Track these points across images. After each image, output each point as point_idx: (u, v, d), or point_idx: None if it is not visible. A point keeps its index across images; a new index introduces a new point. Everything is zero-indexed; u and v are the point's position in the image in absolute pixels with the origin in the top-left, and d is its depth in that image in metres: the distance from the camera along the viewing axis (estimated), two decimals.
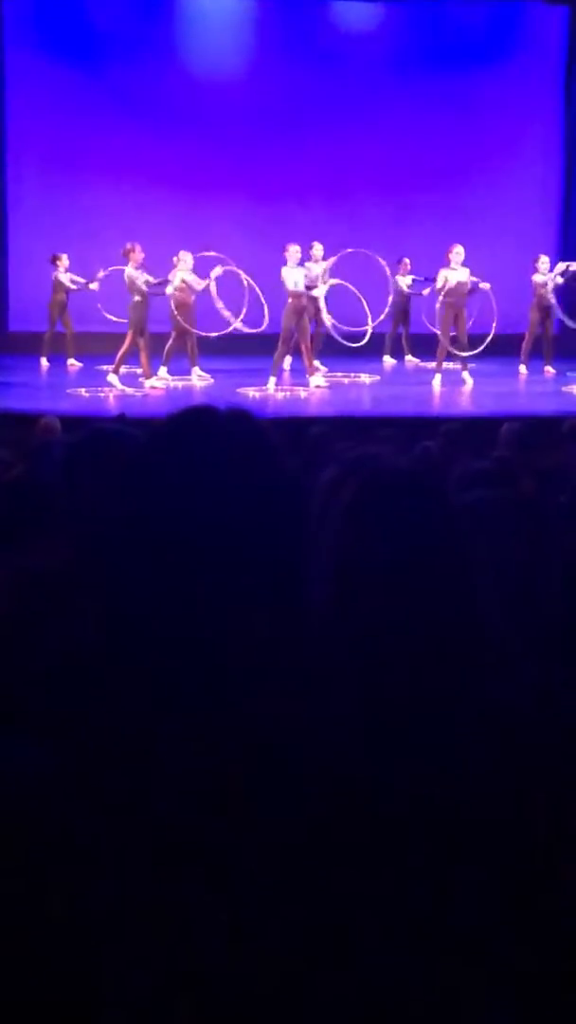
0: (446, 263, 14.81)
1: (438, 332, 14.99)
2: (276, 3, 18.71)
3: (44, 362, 16.13)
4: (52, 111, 18.18)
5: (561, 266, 15.86)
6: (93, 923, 1.14)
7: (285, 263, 14.32)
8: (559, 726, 1.22)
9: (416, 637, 1.28)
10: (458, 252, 14.85)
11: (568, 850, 1.19)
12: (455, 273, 14.75)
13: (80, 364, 15.92)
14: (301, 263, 14.58)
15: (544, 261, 15.90)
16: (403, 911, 1.17)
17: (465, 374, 14.99)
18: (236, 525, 1.25)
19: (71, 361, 16.09)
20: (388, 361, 17.13)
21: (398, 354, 17.26)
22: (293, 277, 14.24)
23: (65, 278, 15.81)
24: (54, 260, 15.88)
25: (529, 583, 2.22)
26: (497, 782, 1.20)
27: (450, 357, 15.07)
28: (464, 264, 14.73)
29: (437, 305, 14.97)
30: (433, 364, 15.24)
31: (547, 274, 15.76)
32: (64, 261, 15.89)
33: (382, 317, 15.69)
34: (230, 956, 1.14)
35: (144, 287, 14.03)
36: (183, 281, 14.55)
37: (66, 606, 1.32)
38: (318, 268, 15.14)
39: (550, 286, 15.63)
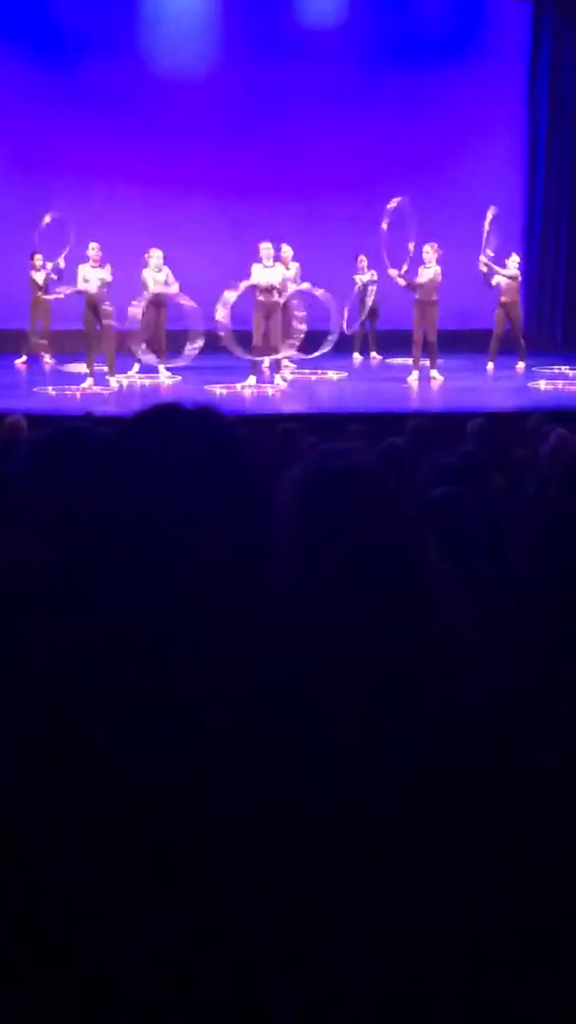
0: (421, 261, 14.93)
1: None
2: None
3: (22, 360, 16.10)
4: (20, 109, 18.08)
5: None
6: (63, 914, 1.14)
7: (257, 261, 14.37)
8: (528, 723, 1.23)
9: (370, 634, 1.29)
10: (426, 250, 14.96)
11: (536, 852, 1.20)
12: (427, 271, 14.89)
13: (53, 362, 15.90)
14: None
15: (514, 260, 15.97)
16: (366, 912, 1.18)
17: (434, 371, 15.05)
18: (202, 521, 1.25)
19: (23, 359, 16.08)
20: (356, 358, 17.15)
21: (365, 351, 17.29)
22: (262, 276, 14.27)
23: (39, 277, 15.81)
24: (31, 259, 15.93)
25: (498, 576, 2.23)
26: (459, 778, 1.20)
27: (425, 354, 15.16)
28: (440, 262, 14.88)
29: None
30: (407, 360, 15.32)
31: (514, 271, 15.82)
32: (37, 260, 15.90)
33: (344, 328, 15.70)
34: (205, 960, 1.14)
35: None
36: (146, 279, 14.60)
37: (38, 600, 1.31)
38: (290, 272, 15.15)
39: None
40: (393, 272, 15.18)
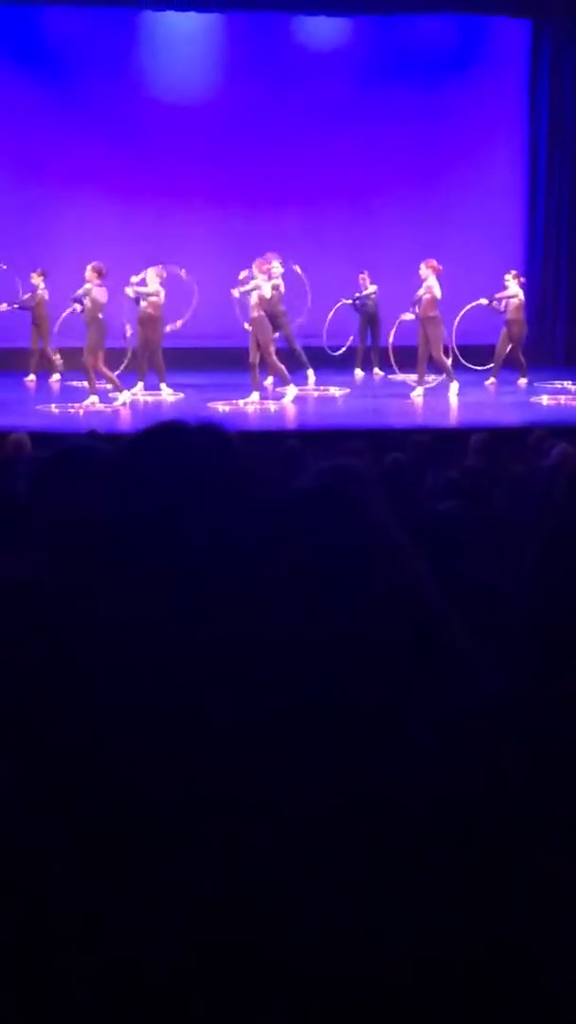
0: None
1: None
2: (242, 19, 18.76)
3: (55, 377, 16.21)
4: (19, 129, 18.16)
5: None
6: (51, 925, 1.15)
7: (268, 277, 14.48)
8: (524, 733, 1.24)
9: (366, 647, 1.30)
10: (421, 268, 15.09)
11: (530, 860, 1.21)
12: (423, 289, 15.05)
13: (35, 379, 15.98)
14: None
15: (512, 280, 16.02)
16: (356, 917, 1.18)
17: (453, 386, 15.07)
18: (206, 539, 1.26)
19: (31, 377, 16.13)
20: (358, 374, 17.18)
21: (367, 367, 17.33)
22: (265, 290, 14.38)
23: (45, 293, 15.90)
24: (33, 276, 16.03)
25: (500, 590, 2.24)
26: (459, 787, 1.21)
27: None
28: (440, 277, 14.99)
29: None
30: (410, 377, 15.40)
31: (514, 289, 15.89)
32: (37, 278, 15.99)
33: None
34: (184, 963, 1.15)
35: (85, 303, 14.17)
36: (135, 292, 14.68)
37: (43, 617, 1.32)
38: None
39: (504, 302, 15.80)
40: (406, 317, 15.37)
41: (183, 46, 18.63)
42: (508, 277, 15.91)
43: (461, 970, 1.16)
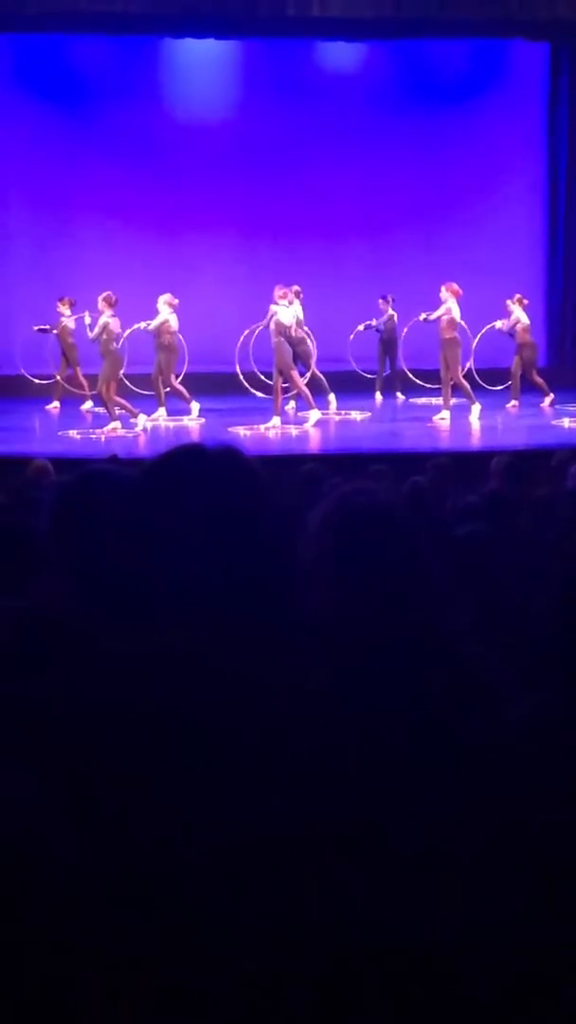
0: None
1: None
2: (260, 45, 18.86)
3: (87, 405, 16.19)
4: (39, 155, 18.28)
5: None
6: (76, 949, 1.14)
7: (287, 304, 14.56)
8: (547, 759, 1.22)
9: (397, 671, 1.29)
10: (441, 291, 15.15)
11: (552, 891, 1.20)
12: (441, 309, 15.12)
13: (59, 406, 16.03)
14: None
15: (516, 306, 16.04)
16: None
17: (475, 408, 15.06)
18: (226, 560, 1.25)
19: (54, 404, 16.18)
20: (378, 398, 17.18)
21: (387, 391, 17.33)
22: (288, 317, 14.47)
23: (69, 322, 15.97)
24: (59, 303, 16.11)
25: (522, 615, 2.22)
26: (491, 810, 1.20)
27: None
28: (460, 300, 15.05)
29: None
30: (431, 400, 15.43)
31: (516, 315, 15.93)
32: (62, 306, 16.08)
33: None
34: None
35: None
36: (166, 323, 14.70)
37: (64, 644, 1.32)
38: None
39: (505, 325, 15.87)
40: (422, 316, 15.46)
41: (202, 73, 18.73)
42: (510, 303, 15.94)
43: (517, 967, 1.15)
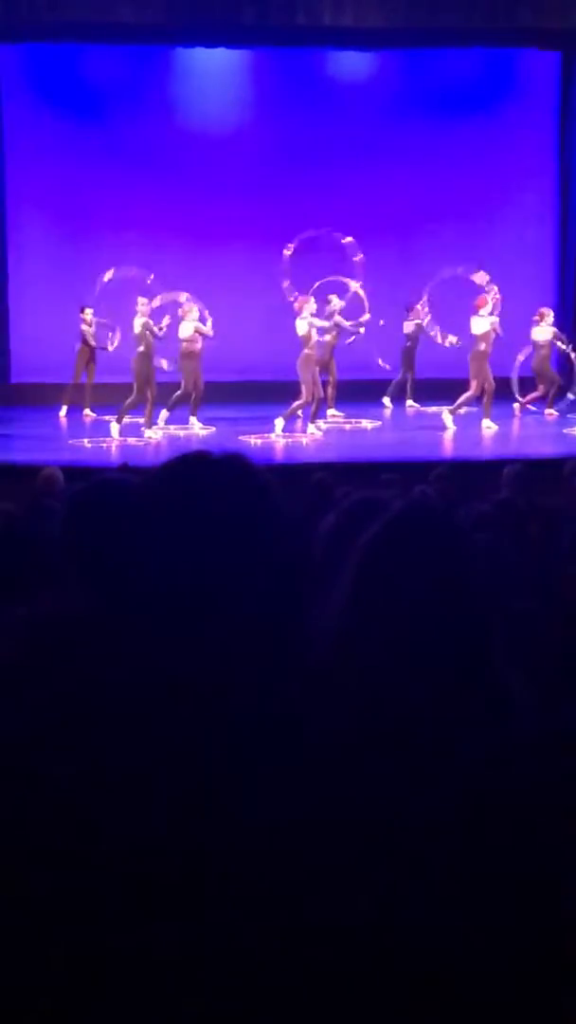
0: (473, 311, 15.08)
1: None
2: (272, 54, 18.90)
3: (63, 412, 16.21)
4: (52, 163, 18.33)
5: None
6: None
7: (299, 312, 14.55)
8: (559, 770, 1.22)
9: (417, 678, 1.28)
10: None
11: (558, 910, 1.19)
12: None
13: (94, 415, 15.99)
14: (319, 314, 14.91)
15: (544, 328, 16.09)
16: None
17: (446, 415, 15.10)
18: (235, 569, 1.25)
19: (87, 411, 16.16)
20: (387, 405, 17.18)
21: (398, 399, 17.32)
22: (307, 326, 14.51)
23: (88, 331, 16.02)
24: (81, 312, 16.14)
25: (535, 624, 2.21)
26: (506, 819, 1.19)
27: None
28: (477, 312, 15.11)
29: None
30: (440, 408, 15.47)
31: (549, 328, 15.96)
32: (87, 314, 16.12)
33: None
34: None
35: (151, 337, 14.29)
36: (195, 331, 14.72)
37: (74, 651, 1.32)
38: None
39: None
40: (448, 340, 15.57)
41: (214, 82, 18.78)
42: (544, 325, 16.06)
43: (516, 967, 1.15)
